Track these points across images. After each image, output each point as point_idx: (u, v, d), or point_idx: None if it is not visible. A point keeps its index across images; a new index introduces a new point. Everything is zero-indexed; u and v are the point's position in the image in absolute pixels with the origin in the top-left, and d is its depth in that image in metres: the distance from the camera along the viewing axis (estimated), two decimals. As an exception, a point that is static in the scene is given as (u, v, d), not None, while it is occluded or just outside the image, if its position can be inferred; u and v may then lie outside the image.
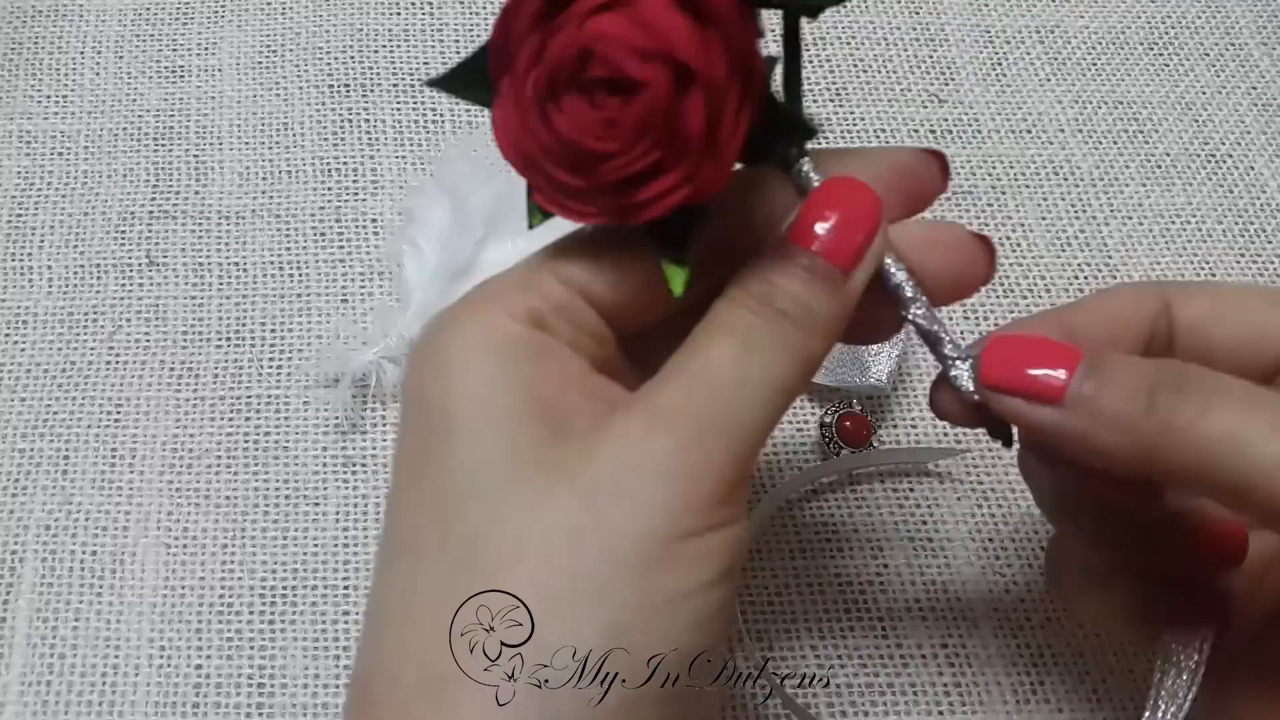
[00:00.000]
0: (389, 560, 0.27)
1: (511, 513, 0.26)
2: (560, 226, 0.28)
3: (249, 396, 0.43)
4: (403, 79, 0.51)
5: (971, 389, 0.29)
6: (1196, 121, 0.52)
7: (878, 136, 0.50)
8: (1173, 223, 0.49)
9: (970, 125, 0.51)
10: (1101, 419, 0.28)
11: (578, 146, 0.26)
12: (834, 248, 0.28)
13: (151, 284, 0.45)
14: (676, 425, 0.26)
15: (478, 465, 0.26)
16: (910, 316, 0.30)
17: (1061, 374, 0.28)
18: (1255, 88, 0.53)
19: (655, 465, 0.26)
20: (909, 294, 0.29)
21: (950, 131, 0.51)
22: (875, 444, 0.43)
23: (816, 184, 0.29)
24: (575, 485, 0.26)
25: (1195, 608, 0.32)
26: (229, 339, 0.44)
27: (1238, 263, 0.48)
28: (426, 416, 0.28)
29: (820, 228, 0.28)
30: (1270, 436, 0.27)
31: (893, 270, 0.29)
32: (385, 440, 0.43)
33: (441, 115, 0.50)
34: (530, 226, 0.28)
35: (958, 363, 0.30)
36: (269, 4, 0.53)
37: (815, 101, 0.51)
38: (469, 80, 0.28)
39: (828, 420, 0.43)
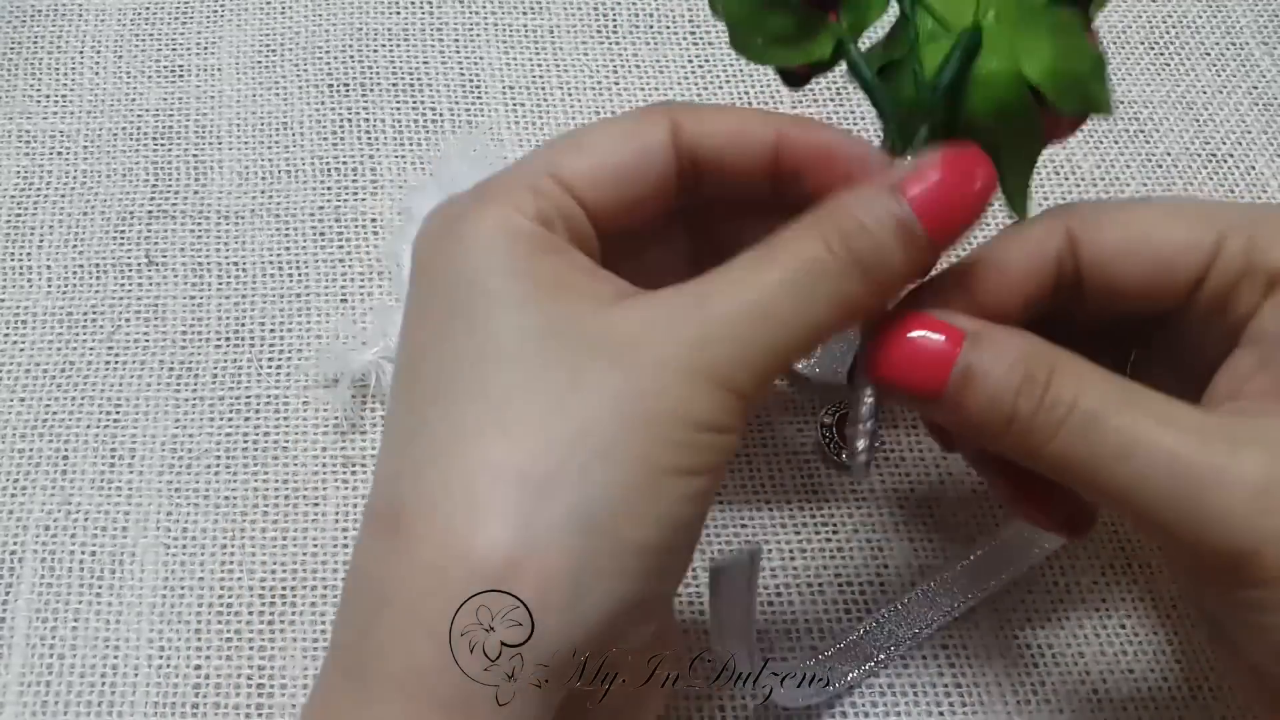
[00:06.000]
0: (426, 400, 0.28)
1: (546, 373, 0.27)
2: None
3: (248, 396, 0.43)
4: (402, 79, 0.51)
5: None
6: (1197, 121, 0.52)
7: (879, 136, 0.50)
8: (1173, 222, 0.49)
9: (970, 125, 0.51)
10: (977, 418, 0.29)
11: None
12: (937, 217, 0.28)
13: (151, 284, 0.45)
14: (711, 326, 0.27)
15: (511, 328, 0.27)
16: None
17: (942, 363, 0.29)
18: (1256, 87, 0.53)
19: (684, 357, 0.27)
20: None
21: (950, 131, 0.51)
22: (876, 444, 0.43)
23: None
24: (607, 357, 0.27)
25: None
26: (228, 339, 0.44)
27: (1238, 262, 0.48)
28: (449, 284, 0.28)
29: (934, 190, 0.28)
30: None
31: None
32: (385, 440, 0.42)
33: (441, 115, 0.50)
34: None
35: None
36: (268, 3, 0.53)
37: (815, 101, 0.51)
38: None
39: (827, 421, 0.43)
